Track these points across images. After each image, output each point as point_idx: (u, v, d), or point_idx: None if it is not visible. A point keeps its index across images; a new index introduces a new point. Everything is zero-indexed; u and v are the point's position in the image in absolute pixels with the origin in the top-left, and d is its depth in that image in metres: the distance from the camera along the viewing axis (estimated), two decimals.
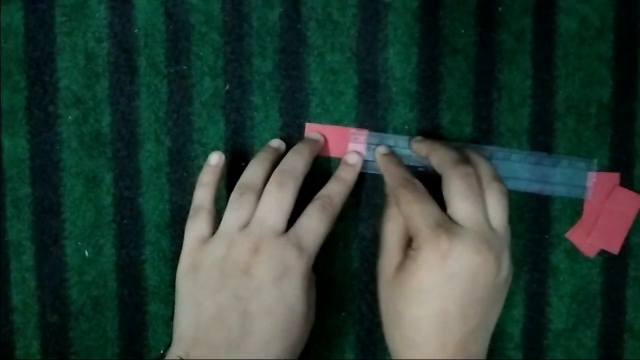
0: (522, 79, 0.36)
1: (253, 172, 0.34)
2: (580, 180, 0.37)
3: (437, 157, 0.33)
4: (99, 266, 0.37)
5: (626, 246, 0.37)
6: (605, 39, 0.36)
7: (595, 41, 0.36)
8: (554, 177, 0.36)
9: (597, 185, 0.37)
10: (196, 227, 0.33)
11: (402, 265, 0.32)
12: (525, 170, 0.36)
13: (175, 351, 0.30)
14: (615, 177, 0.37)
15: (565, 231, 0.37)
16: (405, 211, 0.32)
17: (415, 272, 0.30)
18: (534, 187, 0.37)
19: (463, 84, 0.36)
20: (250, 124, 0.37)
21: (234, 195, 0.33)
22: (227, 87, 0.36)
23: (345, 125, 0.37)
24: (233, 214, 0.32)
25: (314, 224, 0.32)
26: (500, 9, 0.36)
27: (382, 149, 0.36)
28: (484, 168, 0.33)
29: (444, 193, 0.32)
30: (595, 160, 0.37)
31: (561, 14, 0.36)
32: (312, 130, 0.37)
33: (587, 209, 0.37)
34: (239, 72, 0.36)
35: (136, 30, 0.36)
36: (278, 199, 0.32)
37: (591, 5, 0.36)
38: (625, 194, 0.37)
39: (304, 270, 0.31)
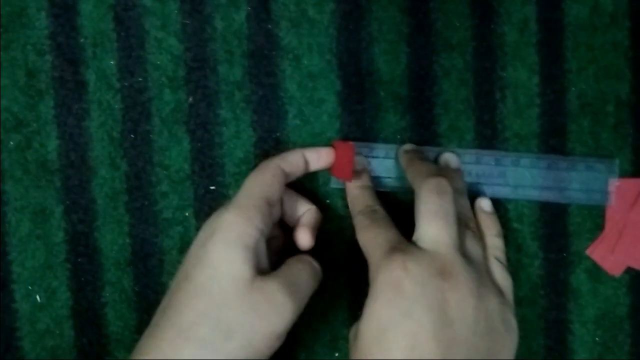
0: (528, 76, 0.35)
1: None
2: (600, 184, 0.35)
3: (411, 171, 0.32)
4: (53, 312, 0.35)
5: None
6: (620, 27, 0.35)
7: (609, 29, 0.35)
8: (571, 183, 0.35)
9: (620, 193, 0.35)
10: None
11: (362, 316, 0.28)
12: (537, 176, 0.35)
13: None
14: (639, 183, 0.35)
15: (586, 248, 0.35)
16: (360, 240, 0.30)
17: (372, 309, 0.27)
18: (548, 195, 0.35)
19: (461, 85, 0.35)
20: (219, 141, 0.35)
21: None
22: (191, 99, 0.35)
23: (329, 138, 0.35)
24: None
25: None
26: None
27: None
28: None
29: (415, 214, 0.29)
30: (617, 161, 0.35)
31: None
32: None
33: (609, 221, 0.35)
34: (204, 82, 0.35)
35: (83, 40, 0.35)
36: None
37: None
38: None
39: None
